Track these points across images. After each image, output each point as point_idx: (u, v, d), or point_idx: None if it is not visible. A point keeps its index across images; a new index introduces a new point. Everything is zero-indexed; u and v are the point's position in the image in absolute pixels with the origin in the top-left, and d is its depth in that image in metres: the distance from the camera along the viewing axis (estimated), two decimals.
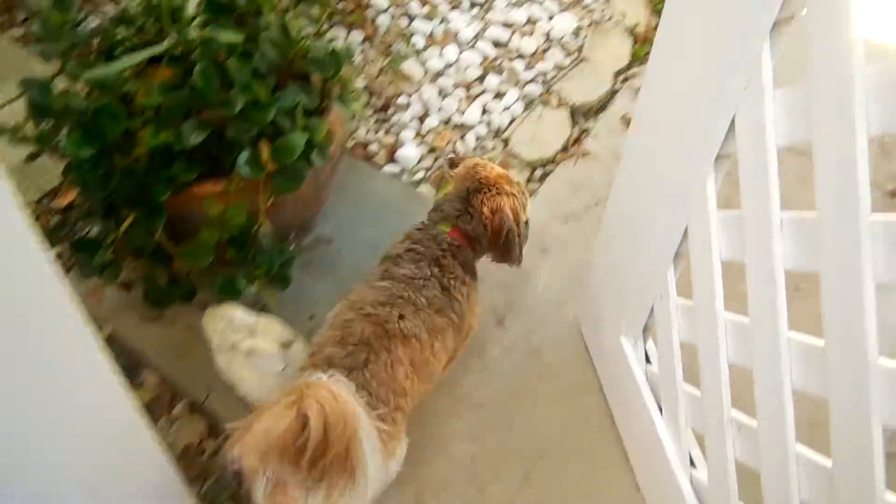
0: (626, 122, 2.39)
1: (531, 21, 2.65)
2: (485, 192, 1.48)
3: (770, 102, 0.89)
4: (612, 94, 2.49)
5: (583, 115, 2.41)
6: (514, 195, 1.51)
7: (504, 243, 1.47)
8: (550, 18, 2.66)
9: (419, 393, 1.34)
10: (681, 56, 1.09)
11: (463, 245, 1.47)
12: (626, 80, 2.54)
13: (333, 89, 1.64)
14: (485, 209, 1.47)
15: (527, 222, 1.59)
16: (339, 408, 0.99)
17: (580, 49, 2.59)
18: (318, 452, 0.97)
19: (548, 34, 2.61)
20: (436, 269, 1.39)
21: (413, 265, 1.39)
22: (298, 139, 1.45)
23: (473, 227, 1.47)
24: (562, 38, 2.61)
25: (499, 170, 1.55)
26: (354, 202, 2.07)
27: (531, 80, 2.45)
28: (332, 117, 1.65)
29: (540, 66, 2.50)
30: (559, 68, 2.52)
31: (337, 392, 1.01)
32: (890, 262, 0.74)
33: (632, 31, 2.66)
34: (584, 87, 2.46)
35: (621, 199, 1.45)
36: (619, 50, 2.61)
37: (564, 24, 2.63)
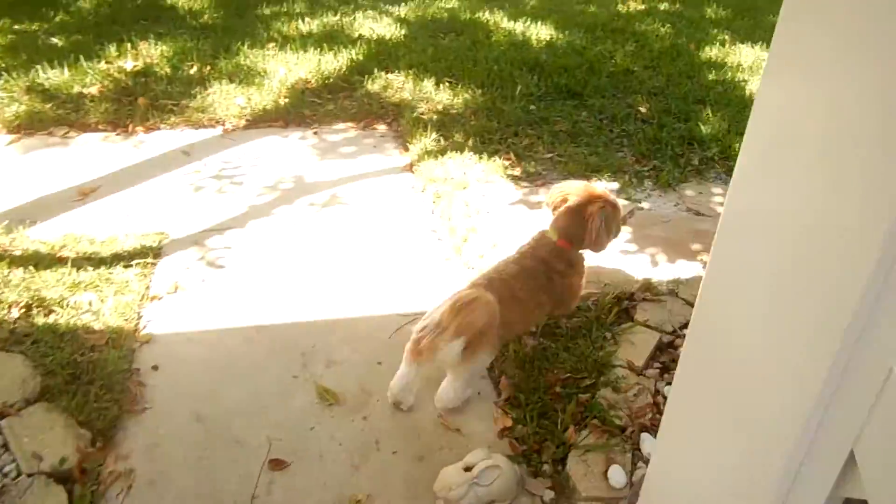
0: None
1: None
2: (589, 203, 2.36)
3: None
4: None
5: None
6: (614, 205, 2.40)
7: (595, 238, 2.35)
8: None
9: (518, 332, 2.35)
10: None
11: (565, 247, 2.35)
12: None
13: None
14: (587, 212, 2.34)
15: (619, 223, 2.51)
16: (495, 305, 2.03)
17: None
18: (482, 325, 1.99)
19: None
20: (542, 263, 2.31)
21: (530, 259, 2.32)
22: None
23: (576, 232, 2.34)
24: None
25: (599, 190, 2.45)
26: None
27: None
28: None
29: None
30: None
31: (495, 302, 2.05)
32: None
33: (59, 474, 1.86)
34: None
35: None
36: None
37: None
